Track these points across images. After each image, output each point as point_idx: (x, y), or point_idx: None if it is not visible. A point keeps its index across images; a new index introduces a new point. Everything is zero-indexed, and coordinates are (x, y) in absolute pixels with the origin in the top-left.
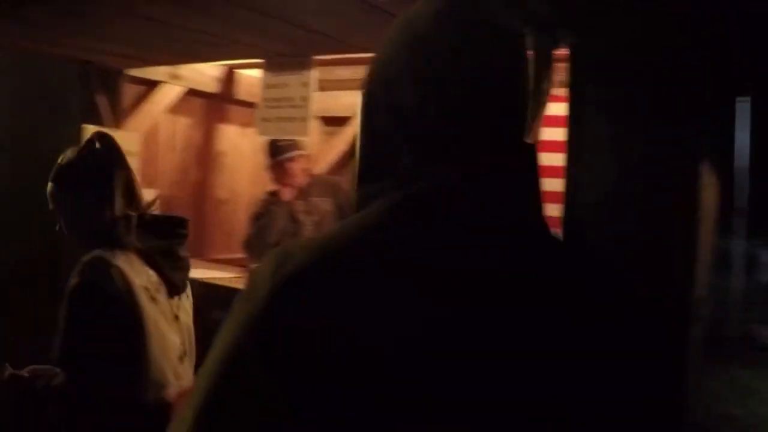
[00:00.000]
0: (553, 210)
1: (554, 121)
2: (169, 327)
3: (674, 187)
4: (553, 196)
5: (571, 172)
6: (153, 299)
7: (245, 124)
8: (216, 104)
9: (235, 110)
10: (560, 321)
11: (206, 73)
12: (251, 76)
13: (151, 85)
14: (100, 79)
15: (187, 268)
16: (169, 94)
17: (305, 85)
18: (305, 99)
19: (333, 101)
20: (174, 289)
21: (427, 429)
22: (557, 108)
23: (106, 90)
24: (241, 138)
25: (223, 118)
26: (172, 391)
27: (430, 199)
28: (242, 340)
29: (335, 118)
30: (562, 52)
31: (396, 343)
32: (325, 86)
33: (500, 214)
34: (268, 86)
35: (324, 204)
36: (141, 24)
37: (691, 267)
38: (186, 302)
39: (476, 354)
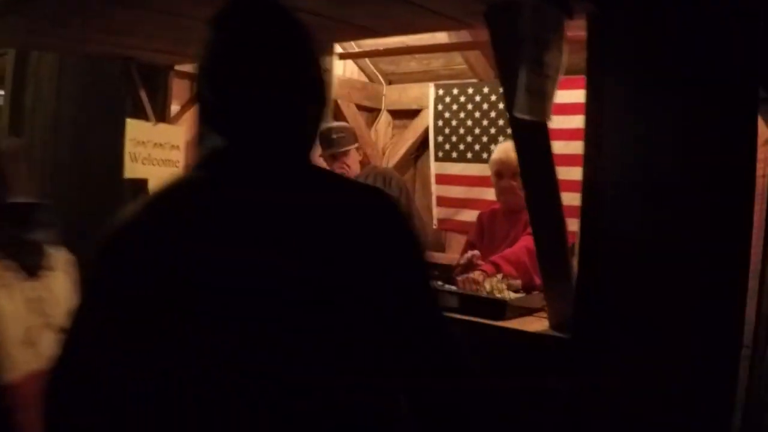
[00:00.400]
0: (572, 199)
1: (570, 109)
2: (21, 310)
3: (719, 177)
4: (571, 185)
5: (591, 160)
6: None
7: None
8: None
9: None
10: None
11: None
12: None
13: None
14: (142, 76)
15: (39, 251)
16: None
17: (326, 71)
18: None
19: (401, 94)
20: (30, 272)
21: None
22: (569, 95)
23: (150, 86)
24: None
25: None
26: (14, 374)
27: (204, 159)
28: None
29: (404, 111)
30: (580, 34)
31: (157, 257)
32: (393, 80)
33: (254, 166)
34: None
35: None
36: (161, 20)
37: (743, 265)
38: (56, 280)
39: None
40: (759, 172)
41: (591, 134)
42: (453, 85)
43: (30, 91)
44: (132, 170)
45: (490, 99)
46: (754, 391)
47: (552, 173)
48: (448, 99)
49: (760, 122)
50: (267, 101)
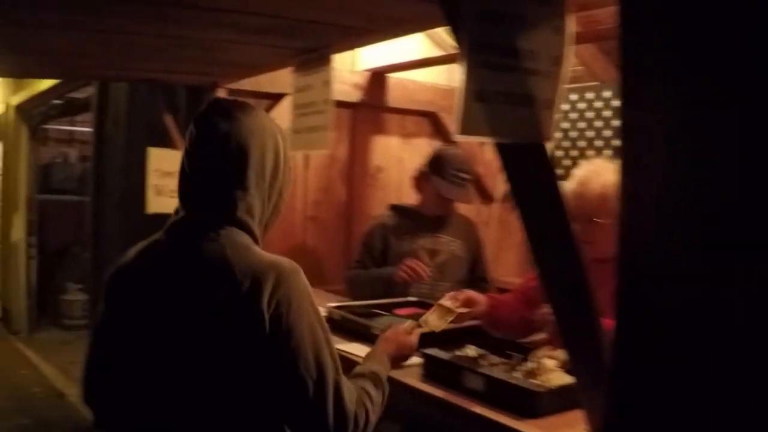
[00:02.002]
0: None
1: None
2: None
3: None
4: None
5: (628, 169)
6: None
7: (407, 135)
8: (365, 114)
9: (390, 119)
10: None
11: (345, 81)
12: (405, 79)
13: (276, 98)
14: (190, 98)
15: None
16: None
17: (326, 84)
18: (327, 102)
19: None
20: None
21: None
22: None
23: (176, 108)
24: (401, 150)
25: (377, 129)
26: None
27: (170, 220)
28: None
29: None
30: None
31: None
32: None
33: (175, 233)
34: (297, 90)
35: (453, 245)
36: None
37: None
38: None
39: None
40: None
41: (628, 154)
42: (569, 90)
43: (110, 119)
44: (157, 204)
45: (612, 105)
46: None
47: (561, 218)
48: (566, 106)
49: None
50: (197, 184)
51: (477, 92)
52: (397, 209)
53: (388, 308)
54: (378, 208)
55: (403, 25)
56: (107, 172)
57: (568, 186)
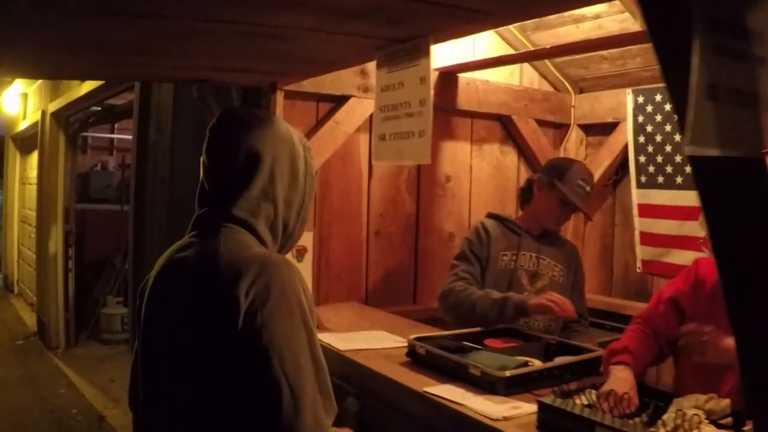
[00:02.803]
0: None
1: None
2: None
3: None
4: None
5: None
6: None
7: (478, 140)
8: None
9: (459, 123)
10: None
11: None
12: (476, 79)
13: (339, 101)
14: (245, 99)
15: None
16: (359, 109)
17: (423, 80)
18: (424, 102)
19: (594, 104)
20: None
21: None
22: None
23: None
24: (472, 157)
25: (445, 134)
26: None
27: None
28: None
29: (599, 125)
30: None
31: (148, 298)
32: (583, 87)
33: (196, 231)
34: (382, 89)
35: (555, 270)
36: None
37: None
38: None
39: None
40: None
41: None
42: (655, 90)
43: (152, 125)
44: None
45: None
46: None
47: None
48: (649, 108)
49: None
50: (210, 186)
51: (710, 87)
52: (498, 219)
53: (478, 338)
54: (448, 221)
55: (544, 4)
56: (149, 181)
57: None
